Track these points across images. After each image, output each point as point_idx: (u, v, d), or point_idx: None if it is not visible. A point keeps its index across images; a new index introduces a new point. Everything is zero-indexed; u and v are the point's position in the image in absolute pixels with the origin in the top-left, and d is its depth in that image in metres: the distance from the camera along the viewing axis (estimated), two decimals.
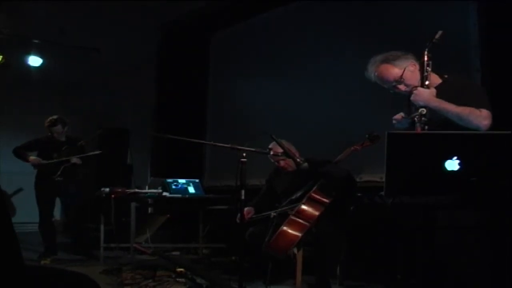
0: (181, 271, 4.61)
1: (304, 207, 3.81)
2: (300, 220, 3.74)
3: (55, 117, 6.22)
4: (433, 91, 2.85)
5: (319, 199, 3.84)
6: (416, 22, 4.88)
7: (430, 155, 2.38)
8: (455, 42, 4.45)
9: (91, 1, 6.71)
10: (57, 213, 6.75)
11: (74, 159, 6.11)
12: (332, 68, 5.83)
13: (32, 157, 6.17)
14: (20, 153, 6.24)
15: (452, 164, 2.31)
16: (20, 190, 7.49)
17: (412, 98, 2.87)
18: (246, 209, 4.39)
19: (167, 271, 4.66)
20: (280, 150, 3.99)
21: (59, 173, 6.04)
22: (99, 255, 5.89)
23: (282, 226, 3.72)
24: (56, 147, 6.18)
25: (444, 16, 4.73)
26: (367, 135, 3.87)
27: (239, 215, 3.84)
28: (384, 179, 2.38)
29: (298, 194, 4.03)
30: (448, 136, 2.48)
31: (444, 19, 4.69)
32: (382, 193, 2.47)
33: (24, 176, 6.87)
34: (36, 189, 6.18)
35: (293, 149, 4.23)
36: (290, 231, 3.71)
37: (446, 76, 3.04)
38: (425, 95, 2.82)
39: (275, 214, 4.00)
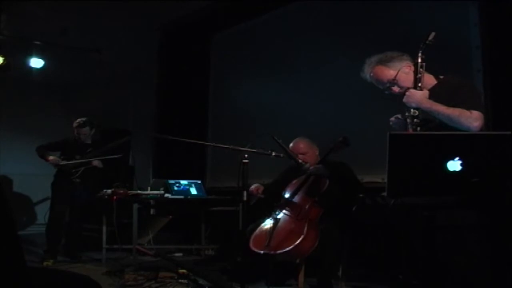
0: (183, 272, 4.62)
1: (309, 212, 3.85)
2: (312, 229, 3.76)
3: (83, 118, 6.24)
4: (425, 92, 2.86)
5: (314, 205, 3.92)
6: (416, 22, 4.88)
7: (432, 156, 2.38)
8: (456, 43, 4.45)
9: (92, 2, 6.71)
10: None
11: (95, 162, 6.10)
12: (333, 67, 5.83)
13: (51, 157, 6.15)
14: (41, 151, 6.22)
15: (454, 165, 2.31)
16: (46, 198, 7.44)
17: (404, 99, 2.88)
18: (255, 185, 4.38)
19: (169, 272, 4.66)
20: (301, 149, 4.22)
21: (78, 174, 6.04)
22: (93, 257, 5.98)
23: (300, 238, 3.69)
24: (81, 149, 6.19)
25: (444, 17, 4.73)
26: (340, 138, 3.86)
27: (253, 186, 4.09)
28: (385, 180, 2.38)
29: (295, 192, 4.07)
30: (450, 136, 2.48)
31: (444, 19, 4.69)
32: (384, 194, 2.47)
33: (24, 176, 6.89)
34: (53, 189, 6.18)
35: (314, 148, 4.34)
36: (306, 242, 3.70)
37: (441, 77, 3.05)
38: (417, 97, 2.83)
39: (276, 217, 3.98)
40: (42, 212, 6.43)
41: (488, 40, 4.47)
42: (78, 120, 6.23)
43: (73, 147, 6.21)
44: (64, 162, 6.09)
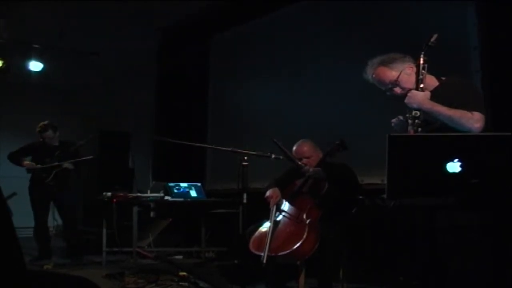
0: (183, 275, 4.62)
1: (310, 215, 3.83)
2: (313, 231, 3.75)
3: (45, 122, 6.31)
4: (427, 93, 2.86)
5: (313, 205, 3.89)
6: (416, 23, 4.89)
7: (431, 157, 2.38)
8: (455, 43, 4.45)
9: (91, 3, 6.72)
10: (59, 218, 6.77)
11: (66, 164, 6.15)
12: (333, 69, 5.83)
13: (27, 162, 6.27)
14: (14, 158, 6.36)
15: (454, 166, 2.31)
16: (14, 194, 7.51)
17: (405, 100, 2.88)
18: (271, 190, 4.24)
19: (169, 275, 4.67)
20: (305, 153, 4.18)
21: (50, 177, 6.09)
22: (93, 260, 6.02)
23: (300, 241, 3.67)
24: (49, 152, 6.24)
25: (443, 17, 4.73)
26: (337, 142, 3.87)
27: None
28: (385, 182, 2.38)
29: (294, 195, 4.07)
30: (449, 138, 2.48)
31: (443, 20, 4.70)
32: (384, 195, 2.47)
33: (24, 179, 6.90)
34: (30, 193, 6.28)
35: (318, 151, 4.28)
36: (307, 244, 3.69)
37: (443, 78, 3.05)
38: (418, 98, 2.83)
39: (275, 219, 3.97)
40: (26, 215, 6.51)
41: (487, 41, 4.47)
42: (40, 124, 6.31)
43: (41, 151, 6.29)
44: (39, 166, 6.19)
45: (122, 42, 8.07)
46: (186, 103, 8.06)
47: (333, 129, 5.52)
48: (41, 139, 6.31)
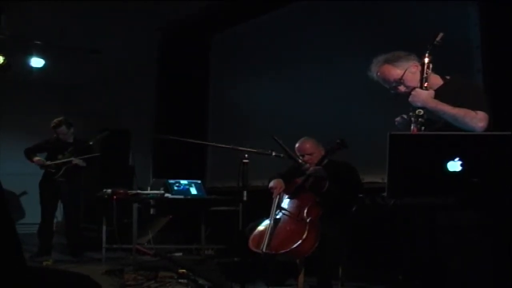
0: (183, 272, 4.62)
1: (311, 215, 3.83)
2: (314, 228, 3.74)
3: (59, 118, 6.33)
4: (431, 92, 2.86)
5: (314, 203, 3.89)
6: (417, 22, 4.89)
7: (432, 156, 2.38)
8: (456, 43, 4.45)
9: (92, 2, 6.72)
10: (59, 215, 6.77)
11: (76, 161, 6.15)
12: (333, 69, 5.84)
13: (37, 158, 6.27)
14: (27, 154, 6.37)
15: (454, 165, 2.31)
16: (24, 193, 7.52)
17: (410, 99, 2.88)
18: (275, 181, 4.28)
19: (169, 272, 4.66)
20: (308, 149, 4.20)
21: (60, 173, 6.10)
22: (93, 257, 6.07)
23: (300, 239, 3.67)
24: (63, 148, 6.26)
25: (445, 17, 4.73)
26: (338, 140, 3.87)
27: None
28: (385, 180, 2.38)
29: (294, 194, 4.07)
30: (450, 137, 2.48)
31: (445, 19, 4.70)
32: (384, 194, 2.47)
33: (26, 176, 6.92)
34: (40, 188, 6.30)
35: (320, 148, 4.28)
36: (307, 243, 3.68)
37: (448, 77, 3.05)
38: (423, 97, 2.83)
39: (275, 217, 3.97)
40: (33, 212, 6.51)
41: (488, 40, 4.47)
42: (54, 120, 6.34)
43: (55, 147, 6.32)
44: (48, 163, 6.20)
45: (123, 40, 8.07)
46: (186, 102, 8.05)
47: (333, 128, 5.53)
48: (55, 135, 6.33)
